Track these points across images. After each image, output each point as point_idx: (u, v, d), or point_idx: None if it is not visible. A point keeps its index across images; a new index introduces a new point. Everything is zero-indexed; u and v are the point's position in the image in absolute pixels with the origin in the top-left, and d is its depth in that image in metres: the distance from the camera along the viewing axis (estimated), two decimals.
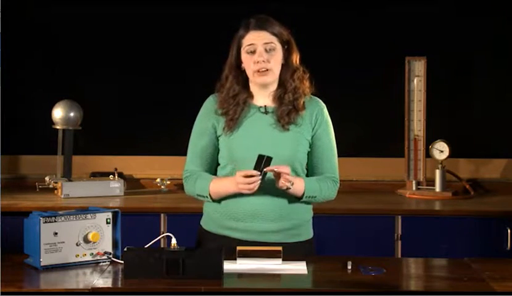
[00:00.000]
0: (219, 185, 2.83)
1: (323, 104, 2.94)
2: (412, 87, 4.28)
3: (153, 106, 4.48)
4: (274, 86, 2.88)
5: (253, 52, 2.82)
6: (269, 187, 2.80)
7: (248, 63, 2.84)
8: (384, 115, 4.43)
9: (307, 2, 4.43)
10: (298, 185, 2.82)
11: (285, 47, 2.86)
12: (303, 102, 2.87)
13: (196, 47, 4.44)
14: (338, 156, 2.95)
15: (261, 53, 2.81)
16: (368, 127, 4.45)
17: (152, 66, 4.48)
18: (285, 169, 2.75)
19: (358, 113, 4.41)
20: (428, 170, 4.29)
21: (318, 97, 2.94)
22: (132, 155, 4.49)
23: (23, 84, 4.48)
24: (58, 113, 4.18)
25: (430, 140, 4.27)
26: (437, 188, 4.24)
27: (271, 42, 2.82)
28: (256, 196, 2.80)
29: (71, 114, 4.18)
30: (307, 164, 2.93)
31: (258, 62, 2.81)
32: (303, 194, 2.84)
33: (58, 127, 4.20)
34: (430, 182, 4.27)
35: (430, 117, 4.27)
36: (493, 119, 4.48)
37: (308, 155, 2.91)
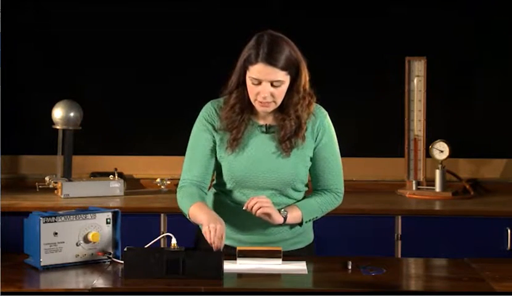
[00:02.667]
0: (196, 214, 2.72)
1: (324, 112, 2.85)
2: (412, 87, 4.28)
3: (153, 107, 4.48)
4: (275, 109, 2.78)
5: (257, 84, 2.69)
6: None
7: (252, 91, 2.72)
8: (384, 115, 4.43)
9: (307, 2, 4.43)
10: (294, 213, 2.78)
11: (293, 74, 2.72)
12: (306, 128, 2.78)
13: (196, 47, 4.44)
14: None
15: (266, 89, 2.68)
16: (368, 128, 4.45)
17: (152, 66, 4.48)
18: (267, 204, 2.69)
19: (358, 113, 4.41)
20: (428, 170, 4.29)
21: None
22: (132, 155, 4.49)
23: (23, 84, 4.48)
24: (58, 113, 4.18)
25: (430, 140, 4.27)
26: (437, 188, 4.24)
27: (279, 80, 2.67)
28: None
29: (71, 114, 4.18)
30: (310, 175, 2.88)
31: (261, 96, 2.70)
32: (302, 220, 2.80)
33: (58, 127, 4.20)
34: (430, 182, 4.27)
35: (430, 117, 4.27)
36: (493, 119, 4.47)
37: (310, 165, 2.85)
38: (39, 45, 4.49)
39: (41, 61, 4.50)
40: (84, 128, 4.22)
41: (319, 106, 2.86)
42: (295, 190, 2.83)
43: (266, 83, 2.68)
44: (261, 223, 2.77)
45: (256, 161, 2.78)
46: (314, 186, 2.90)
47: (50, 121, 4.20)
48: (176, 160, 4.19)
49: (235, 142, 2.77)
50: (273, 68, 2.66)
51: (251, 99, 2.74)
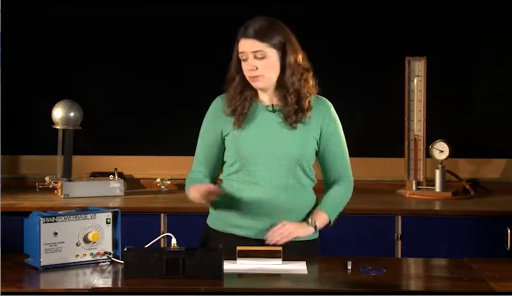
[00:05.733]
0: (190, 191, 2.85)
1: (329, 103, 2.92)
2: (412, 87, 4.28)
3: (153, 107, 4.48)
4: (274, 87, 2.86)
5: (245, 60, 2.82)
6: (275, 184, 2.81)
7: (244, 69, 2.84)
8: (384, 115, 4.43)
9: (308, 2, 4.43)
10: (320, 218, 2.85)
11: (280, 49, 2.82)
12: (309, 102, 2.85)
13: (196, 47, 4.44)
14: None
15: (251, 61, 2.80)
16: (368, 127, 4.44)
17: (152, 66, 4.49)
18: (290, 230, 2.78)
19: (358, 113, 4.41)
20: (428, 170, 4.29)
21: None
22: (132, 155, 4.49)
23: (23, 84, 4.48)
24: (58, 113, 4.18)
25: (430, 140, 4.27)
26: (437, 188, 4.24)
27: (260, 50, 2.79)
28: (261, 193, 2.80)
29: (71, 114, 4.18)
30: (320, 167, 2.93)
31: (248, 70, 2.82)
32: (330, 221, 2.87)
33: (58, 127, 4.20)
34: (430, 182, 4.27)
35: (430, 117, 4.27)
36: (493, 119, 4.48)
37: (319, 156, 2.90)
38: (39, 45, 4.49)
39: (41, 61, 4.50)
40: (84, 128, 4.22)
41: (324, 98, 2.92)
42: (304, 171, 2.85)
43: (250, 55, 2.79)
44: (267, 207, 2.81)
45: (263, 135, 2.84)
46: (326, 179, 2.94)
47: (50, 121, 4.20)
48: (176, 160, 4.21)
49: (242, 117, 2.84)
50: (251, 40, 2.79)
51: (247, 77, 2.84)
